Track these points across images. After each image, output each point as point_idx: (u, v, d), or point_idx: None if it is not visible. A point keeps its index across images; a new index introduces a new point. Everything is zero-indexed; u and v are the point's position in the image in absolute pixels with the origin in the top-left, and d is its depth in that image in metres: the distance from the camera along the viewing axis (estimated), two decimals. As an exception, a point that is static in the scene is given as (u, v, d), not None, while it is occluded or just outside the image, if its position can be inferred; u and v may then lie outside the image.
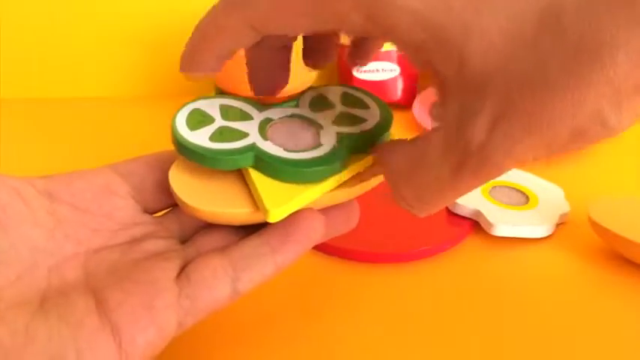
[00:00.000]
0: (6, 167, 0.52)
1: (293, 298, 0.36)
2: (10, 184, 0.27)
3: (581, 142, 0.20)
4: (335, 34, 0.31)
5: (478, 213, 0.42)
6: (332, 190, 0.29)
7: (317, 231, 0.28)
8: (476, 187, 0.22)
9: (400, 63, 0.60)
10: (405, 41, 0.22)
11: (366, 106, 0.32)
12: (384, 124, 0.31)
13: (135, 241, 0.28)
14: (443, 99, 0.22)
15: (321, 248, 0.41)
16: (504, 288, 0.37)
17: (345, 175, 0.29)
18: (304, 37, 0.31)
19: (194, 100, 0.31)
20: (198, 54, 0.28)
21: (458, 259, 0.40)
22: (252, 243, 0.28)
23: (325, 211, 0.30)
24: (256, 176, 0.28)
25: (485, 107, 0.20)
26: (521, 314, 0.35)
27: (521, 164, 0.21)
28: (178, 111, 0.30)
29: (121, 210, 0.29)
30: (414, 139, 0.24)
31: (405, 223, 0.42)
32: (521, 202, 0.43)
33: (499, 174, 0.21)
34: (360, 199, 0.45)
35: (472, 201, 0.43)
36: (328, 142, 0.30)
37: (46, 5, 0.61)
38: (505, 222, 0.41)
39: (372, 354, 0.32)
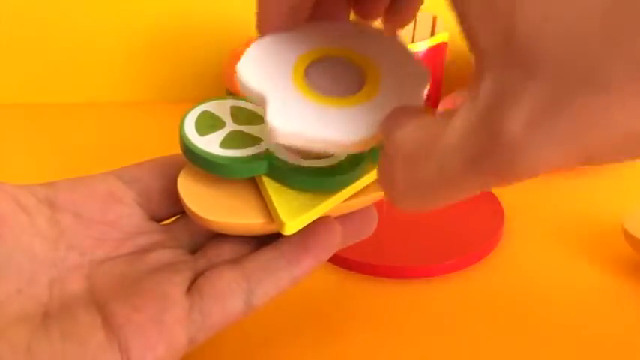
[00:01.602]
0: (6, 175, 0.51)
1: (307, 316, 0.35)
2: (9, 192, 0.26)
3: (630, 153, 0.17)
4: None
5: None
6: (350, 198, 0.28)
7: (334, 240, 0.27)
8: (485, 189, 0.19)
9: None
10: None
11: None
12: None
13: (142, 251, 0.28)
14: (479, 75, 0.18)
15: (341, 263, 0.39)
16: (533, 302, 0.37)
17: (364, 182, 0.28)
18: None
19: (203, 102, 0.30)
20: (263, 12, 0.26)
21: (486, 274, 0.39)
22: (267, 254, 0.27)
23: (342, 217, 0.29)
24: (270, 185, 0.27)
25: (529, 93, 0.16)
26: (550, 328, 0.34)
27: (550, 169, 0.18)
28: (187, 114, 0.29)
29: (127, 218, 0.28)
30: (429, 115, 0.21)
31: (427, 233, 0.41)
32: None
33: (518, 180, 0.18)
34: (380, 208, 0.44)
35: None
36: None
37: (47, 9, 0.61)
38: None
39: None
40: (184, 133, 0.28)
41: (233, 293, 0.26)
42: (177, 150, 0.55)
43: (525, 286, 0.38)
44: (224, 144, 0.28)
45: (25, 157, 0.54)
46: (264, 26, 0.26)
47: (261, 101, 0.25)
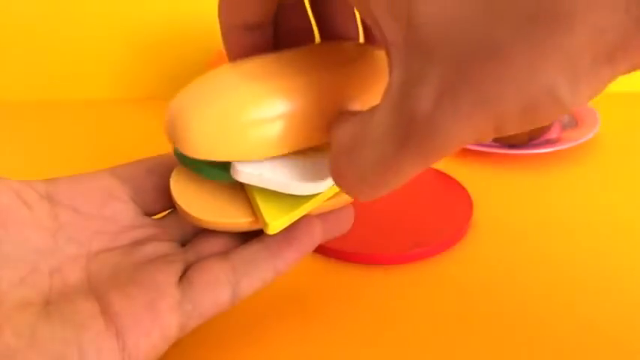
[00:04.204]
0: (5, 171, 0.51)
1: (291, 301, 0.36)
2: (11, 186, 0.27)
3: (533, 118, 0.18)
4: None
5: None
6: (329, 198, 0.29)
7: (315, 237, 0.29)
8: (421, 167, 0.20)
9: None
10: None
11: None
12: None
13: (136, 243, 0.29)
14: (390, 66, 0.19)
15: (320, 250, 0.40)
16: (500, 291, 0.37)
17: None
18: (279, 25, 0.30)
19: None
20: (226, 40, 0.28)
21: (457, 260, 0.39)
22: (253, 248, 0.28)
23: (322, 215, 0.30)
24: (255, 188, 0.28)
25: (432, 75, 0.18)
26: (521, 312, 0.35)
27: (470, 141, 0.19)
28: None
29: (122, 213, 0.29)
30: (361, 112, 0.22)
31: (402, 223, 0.42)
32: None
33: (446, 152, 0.19)
34: (355, 200, 0.44)
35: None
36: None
37: (43, 7, 0.60)
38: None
39: (370, 357, 0.32)
40: None
41: (221, 284, 0.27)
42: (169, 146, 0.55)
43: (493, 275, 0.38)
44: None
45: (23, 153, 0.54)
46: (231, 53, 0.29)
47: None
